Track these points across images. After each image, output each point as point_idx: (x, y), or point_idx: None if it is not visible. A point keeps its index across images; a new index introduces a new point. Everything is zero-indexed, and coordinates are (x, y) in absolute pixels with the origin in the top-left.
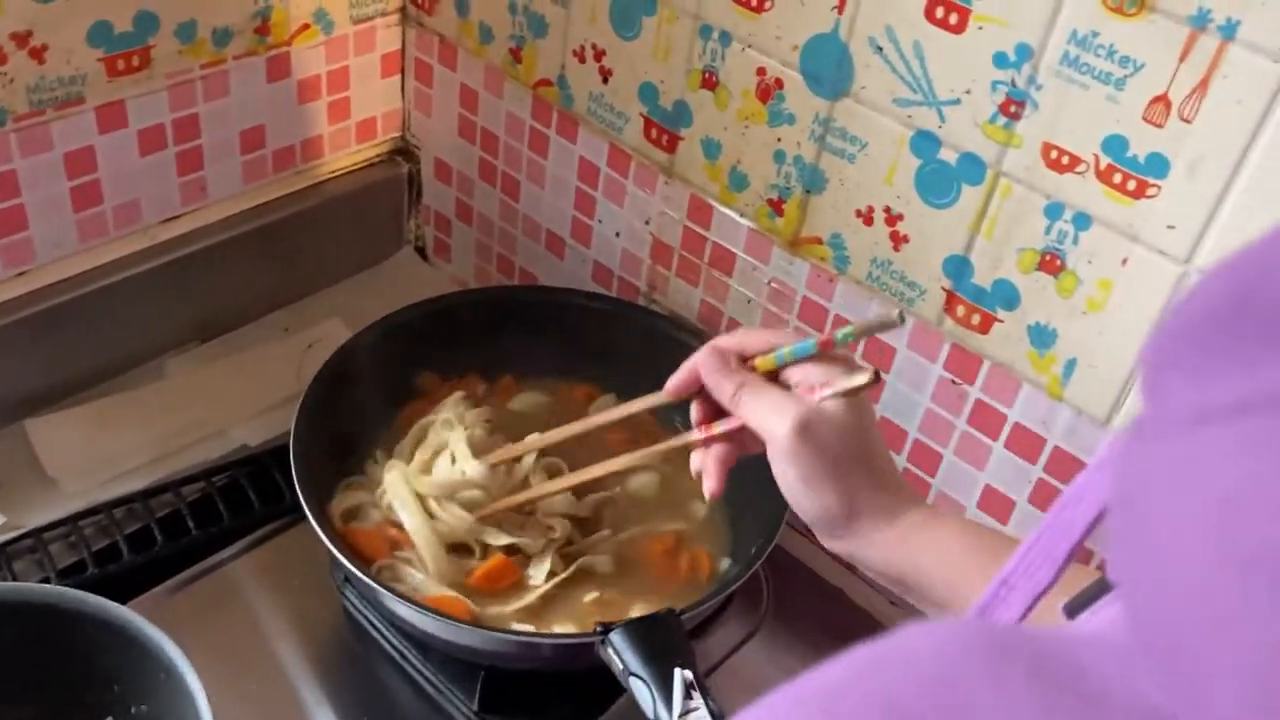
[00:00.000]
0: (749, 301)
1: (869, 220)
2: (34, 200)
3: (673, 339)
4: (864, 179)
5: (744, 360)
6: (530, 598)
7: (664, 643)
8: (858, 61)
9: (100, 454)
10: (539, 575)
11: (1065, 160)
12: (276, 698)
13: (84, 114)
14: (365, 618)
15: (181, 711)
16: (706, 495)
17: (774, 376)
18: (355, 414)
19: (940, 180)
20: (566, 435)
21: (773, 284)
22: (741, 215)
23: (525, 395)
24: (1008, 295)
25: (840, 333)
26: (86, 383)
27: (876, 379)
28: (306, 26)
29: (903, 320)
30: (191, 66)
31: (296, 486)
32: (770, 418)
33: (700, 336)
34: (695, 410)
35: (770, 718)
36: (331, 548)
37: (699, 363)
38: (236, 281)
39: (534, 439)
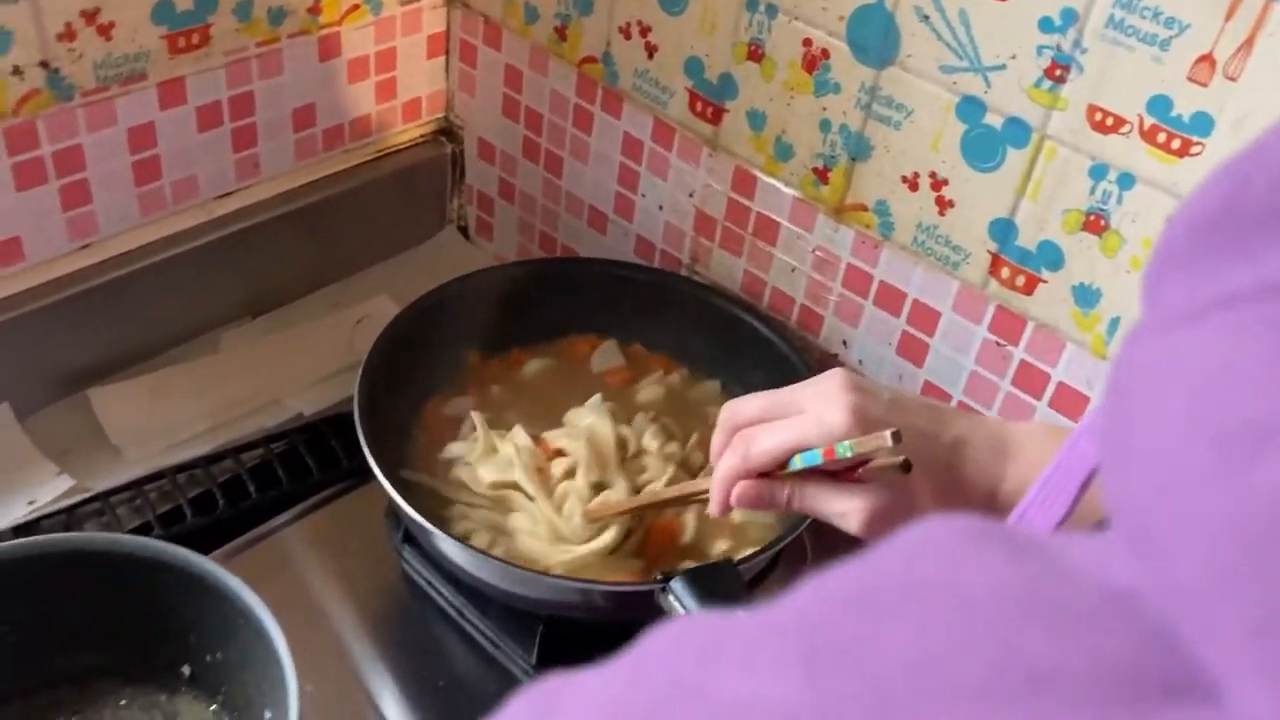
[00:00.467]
0: (793, 270)
1: (914, 186)
2: (98, 174)
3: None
4: (909, 145)
5: (762, 475)
6: (688, 535)
7: (724, 589)
8: (904, 30)
9: (160, 423)
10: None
11: (1110, 122)
12: (335, 657)
13: (146, 90)
14: (424, 577)
15: (260, 656)
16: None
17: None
18: (414, 376)
19: (985, 144)
20: (650, 500)
21: (817, 252)
22: (786, 185)
23: (534, 363)
24: (1052, 256)
25: (839, 447)
26: (144, 355)
27: (908, 469)
28: (356, 7)
29: (898, 440)
30: (248, 45)
31: (363, 444)
32: (839, 520)
33: (733, 301)
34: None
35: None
36: (396, 497)
37: (738, 501)
38: (286, 257)
39: (626, 501)
